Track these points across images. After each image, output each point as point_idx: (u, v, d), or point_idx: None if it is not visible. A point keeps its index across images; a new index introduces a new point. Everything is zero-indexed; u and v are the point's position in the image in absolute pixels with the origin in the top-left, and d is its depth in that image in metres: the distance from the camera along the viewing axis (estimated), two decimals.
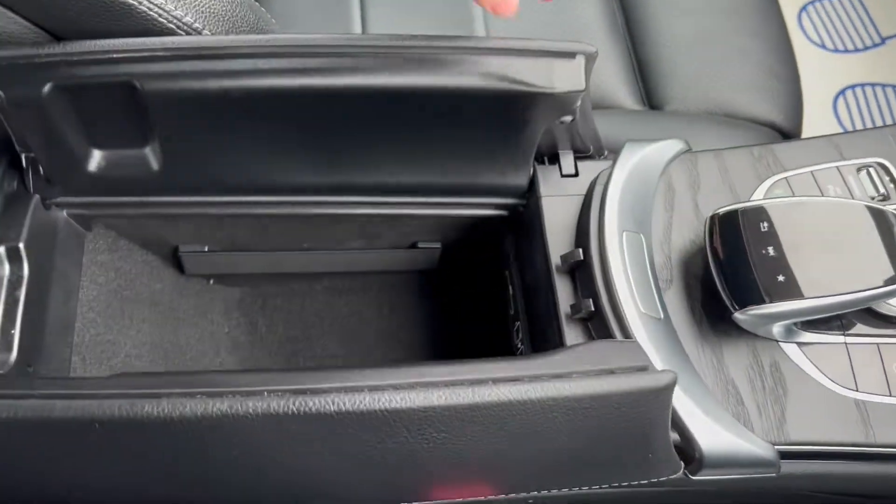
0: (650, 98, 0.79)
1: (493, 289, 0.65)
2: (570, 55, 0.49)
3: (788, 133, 0.76)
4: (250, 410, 0.35)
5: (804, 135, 0.79)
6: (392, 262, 0.66)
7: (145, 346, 0.60)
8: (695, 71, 0.78)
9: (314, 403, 0.36)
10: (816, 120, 1.16)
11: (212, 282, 0.67)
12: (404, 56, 0.47)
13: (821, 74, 1.24)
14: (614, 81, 0.79)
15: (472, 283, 0.69)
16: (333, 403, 0.36)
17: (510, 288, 0.63)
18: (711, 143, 0.74)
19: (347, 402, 0.36)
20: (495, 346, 0.65)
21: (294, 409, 0.35)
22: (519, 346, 0.61)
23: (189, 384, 0.36)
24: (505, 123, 0.52)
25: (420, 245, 0.64)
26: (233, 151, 0.52)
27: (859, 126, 1.19)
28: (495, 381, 0.38)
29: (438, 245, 0.64)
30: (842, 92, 1.23)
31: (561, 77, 0.48)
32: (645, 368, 0.42)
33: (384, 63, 0.47)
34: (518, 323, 0.61)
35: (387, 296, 0.70)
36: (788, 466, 0.48)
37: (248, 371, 0.35)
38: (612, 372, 0.41)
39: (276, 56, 0.46)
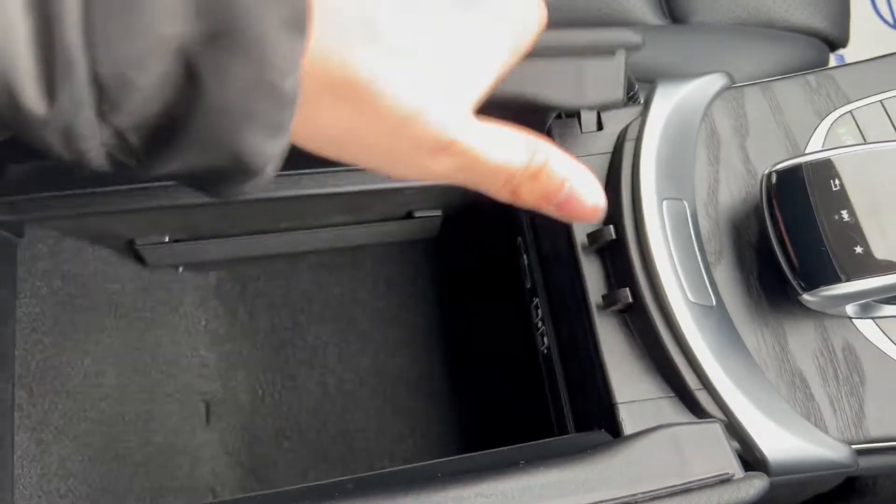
0: (672, 8, 0.68)
1: (505, 257, 0.57)
2: (608, 52, 0.37)
3: (835, 42, 0.66)
4: None
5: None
6: (386, 233, 0.57)
7: (108, 360, 0.52)
8: None
9: None
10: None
11: (181, 270, 0.59)
12: None
13: None
14: None
15: (480, 252, 0.60)
16: None
17: (524, 257, 0.54)
18: (748, 61, 0.64)
19: None
20: (509, 325, 0.57)
21: None
22: (539, 325, 0.52)
23: None
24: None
25: (417, 215, 0.54)
26: None
27: None
28: None
29: (439, 213, 0.55)
30: None
31: (595, 85, 0.38)
32: (729, 478, 0.36)
33: None
34: (537, 299, 0.52)
35: (382, 270, 0.61)
36: (866, 461, 0.42)
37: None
38: (688, 489, 0.35)
39: None
